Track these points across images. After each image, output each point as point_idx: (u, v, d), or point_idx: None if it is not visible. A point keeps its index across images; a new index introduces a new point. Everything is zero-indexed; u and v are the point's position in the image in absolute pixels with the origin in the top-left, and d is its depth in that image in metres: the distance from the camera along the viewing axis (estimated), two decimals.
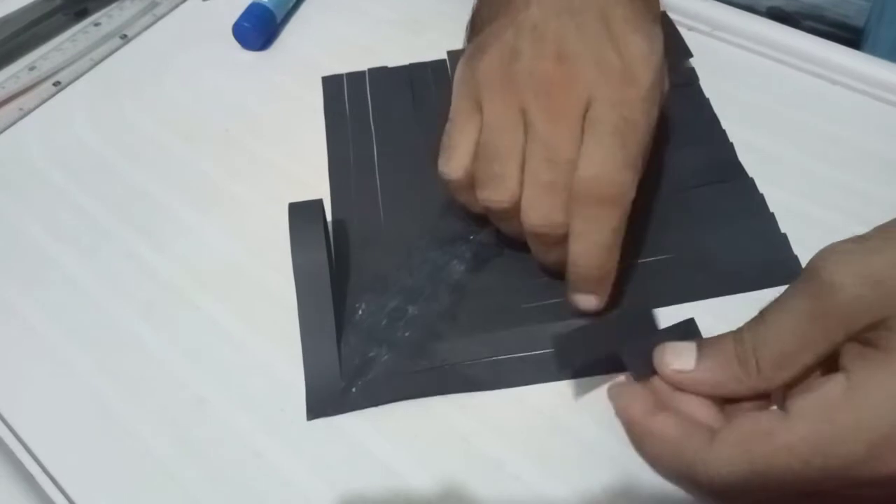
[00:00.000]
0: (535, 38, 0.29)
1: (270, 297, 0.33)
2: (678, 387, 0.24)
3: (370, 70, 0.41)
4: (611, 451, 0.27)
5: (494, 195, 0.29)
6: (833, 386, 0.20)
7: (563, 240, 0.28)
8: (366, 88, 0.41)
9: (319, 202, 0.31)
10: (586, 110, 0.28)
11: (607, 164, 0.27)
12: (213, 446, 0.29)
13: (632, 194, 0.28)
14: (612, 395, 0.24)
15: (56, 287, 0.35)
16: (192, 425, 0.30)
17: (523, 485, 0.27)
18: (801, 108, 0.38)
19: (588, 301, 0.29)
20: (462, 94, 0.30)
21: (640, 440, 0.23)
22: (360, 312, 0.31)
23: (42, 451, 0.30)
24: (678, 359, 0.24)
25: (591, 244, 0.28)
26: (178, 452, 0.29)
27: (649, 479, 0.24)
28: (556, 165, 0.28)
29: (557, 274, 0.30)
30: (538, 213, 0.28)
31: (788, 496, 0.21)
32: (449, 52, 0.42)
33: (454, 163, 0.30)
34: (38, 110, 0.43)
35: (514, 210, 0.29)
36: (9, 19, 0.45)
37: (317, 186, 0.37)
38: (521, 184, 0.29)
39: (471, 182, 0.30)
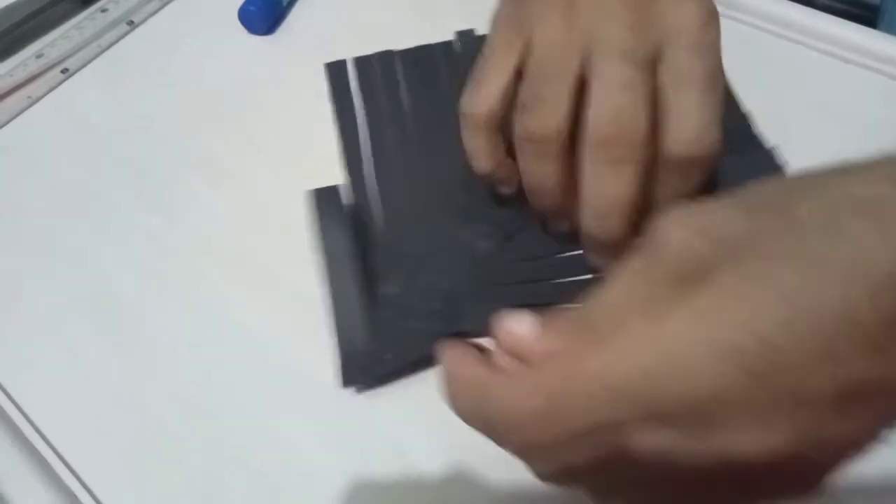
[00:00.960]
0: None
1: (282, 280, 0.33)
2: (513, 353, 0.21)
3: (378, 53, 0.41)
4: None
5: (537, 120, 0.26)
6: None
7: (634, 159, 0.25)
8: (375, 71, 0.40)
9: (337, 188, 0.32)
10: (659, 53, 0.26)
11: (703, 120, 0.26)
12: (224, 426, 0.29)
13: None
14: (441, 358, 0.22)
15: (69, 272, 0.35)
16: (204, 404, 0.30)
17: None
18: (816, 86, 0.37)
19: None
20: (504, 25, 0.28)
21: (446, 382, 0.21)
22: (389, 292, 0.31)
23: (54, 433, 0.30)
24: (517, 324, 0.21)
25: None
26: (189, 432, 0.29)
27: None
28: (635, 64, 0.25)
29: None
30: (611, 106, 0.25)
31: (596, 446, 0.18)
32: (457, 33, 0.41)
33: (483, 92, 0.28)
34: (46, 98, 0.43)
35: (558, 146, 0.26)
36: (15, 6, 0.45)
37: (326, 169, 0.36)
38: (571, 112, 0.26)
39: (495, 121, 0.28)
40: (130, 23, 0.45)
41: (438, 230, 0.33)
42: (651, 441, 0.18)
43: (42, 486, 0.28)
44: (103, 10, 0.46)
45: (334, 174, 0.36)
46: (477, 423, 0.21)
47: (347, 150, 0.37)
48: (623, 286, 0.20)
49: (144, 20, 0.46)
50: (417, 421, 0.29)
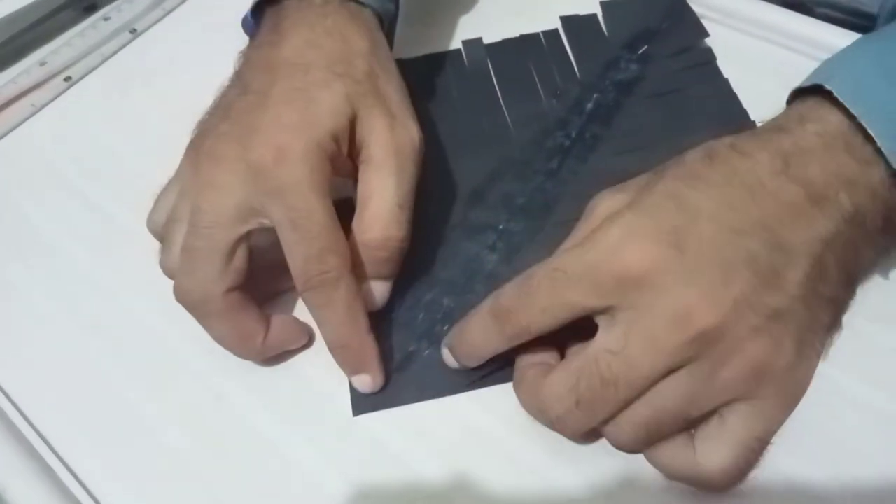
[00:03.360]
0: None
1: (286, 294, 0.33)
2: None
3: None
4: None
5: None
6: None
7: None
8: None
9: (350, 200, 0.32)
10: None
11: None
12: (231, 441, 0.30)
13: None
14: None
15: (72, 282, 0.35)
16: (210, 420, 0.30)
17: (538, 477, 0.27)
18: None
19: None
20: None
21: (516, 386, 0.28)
22: (395, 307, 0.31)
23: (61, 445, 0.30)
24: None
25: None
26: (195, 447, 0.30)
27: None
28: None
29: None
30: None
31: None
32: (464, 42, 0.41)
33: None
34: (49, 106, 0.43)
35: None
36: (18, 15, 0.45)
37: (336, 182, 0.37)
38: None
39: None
40: (133, 31, 0.46)
41: (444, 243, 0.33)
42: (613, 325, 0.25)
43: (46, 494, 0.29)
44: (106, 19, 0.46)
45: (345, 187, 0.36)
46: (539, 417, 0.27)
47: None
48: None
49: (147, 28, 0.46)
50: (420, 436, 0.29)
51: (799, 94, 0.28)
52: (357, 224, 0.29)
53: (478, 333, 0.28)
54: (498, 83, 0.40)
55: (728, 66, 0.38)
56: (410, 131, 0.30)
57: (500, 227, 0.33)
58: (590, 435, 0.27)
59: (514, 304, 0.26)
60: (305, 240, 0.27)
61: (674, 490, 0.26)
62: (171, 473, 0.29)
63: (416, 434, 0.29)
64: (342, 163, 0.30)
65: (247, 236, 0.28)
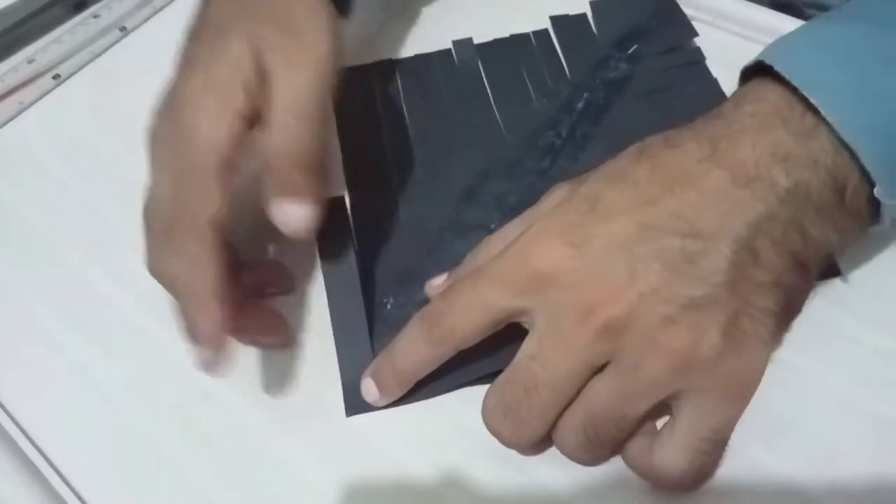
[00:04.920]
0: None
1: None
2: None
3: (375, 63, 0.41)
4: None
5: None
6: None
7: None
8: (372, 82, 0.40)
9: (342, 198, 0.32)
10: None
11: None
12: (220, 441, 0.29)
13: None
14: None
15: (61, 280, 0.35)
16: (199, 419, 0.30)
17: (527, 477, 0.27)
18: None
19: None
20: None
21: None
22: (388, 307, 0.31)
23: (48, 445, 0.30)
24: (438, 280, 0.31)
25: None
26: (184, 446, 0.29)
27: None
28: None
29: None
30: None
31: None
32: (454, 42, 0.41)
33: None
34: (38, 103, 0.43)
35: None
36: (7, 11, 0.45)
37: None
38: None
39: None
40: (123, 29, 0.45)
41: (436, 243, 0.33)
42: (531, 329, 0.26)
43: (33, 494, 0.29)
44: (95, 16, 0.45)
45: (336, 183, 0.36)
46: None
47: (348, 159, 0.37)
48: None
49: (137, 26, 0.46)
50: (410, 435, 0.29)
51: (746, 78, 0.29)
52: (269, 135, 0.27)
53: (406, 345, 0.28)
54: (488, 83, 0.40)
55: (717, 67, 0.38)
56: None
57: (492, 226, 0.33)
58: (539, 446, 0.27)
59: (440, 306, 0.27)
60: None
61: (663, 493, 0.26)
62: (160, 473, 0.29)
63: (406, 433, 0.29)
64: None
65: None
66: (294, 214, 0.27)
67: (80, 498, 0.28)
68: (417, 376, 0.29)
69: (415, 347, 0.28)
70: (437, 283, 0.31)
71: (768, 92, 0.27)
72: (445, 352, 0.27)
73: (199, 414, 0.30)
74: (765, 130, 0.26)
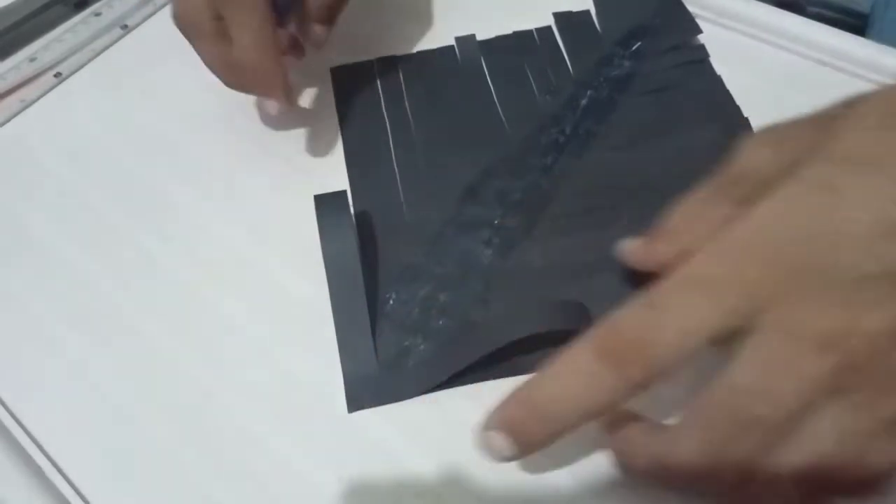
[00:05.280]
0: None
1: (278, 290, 0.33)
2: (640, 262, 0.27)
3: (379, 59, 0.41)
4: None
5: None
6: None
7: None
8: (376, 77, 0.40)
9: (344, 193, 0.31)
10: None
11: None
12: (220, 439, 0.29)
13: None
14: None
15: (61, 279, 0.35)
16: (200, 418, 0.30)
17: (529, 475, 0.27)
18: (807, 95, 0.37)
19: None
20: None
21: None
22: (391, 302, 0.31)
23: (51, 445, 0.30)
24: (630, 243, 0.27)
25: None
26: (184, 445, 0.29)
27: None
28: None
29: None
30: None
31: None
32: (457, 39, 0.41)
33: None
34: (39, 102, 0.42)
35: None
36: (8, 10, 0.45)
37: (328, 176, 0.36)
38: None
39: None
40: (124, 27, 0.45)
41: (439, 239, 0.33)
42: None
43: (34, 493, 0.28)
44: (97, 14, 0.45)
45: (337, 181, 0.36)
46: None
47: (350, 155, 0.37)
48: (703, 192, 0.25)
49: (138, 24, 0.46)
50: (413, 432, 0.29)
51: None
52: None
53: (567, 376, 0.22)
54: (491, 80, 0.39)
55: (721, 65, 0.38)
56: None
57: (496, 222, 0.33)
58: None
59: (637, 329, 0.21)
60: None
61: (664, 490, 0.26)
62: (160, 472, 0.29)
63: (409, 430, 0.29)
64: None
65: None
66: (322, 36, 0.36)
67: (81, 496, 0.28)
68: (575, 422, 0.22)
69: (581, 379, 0.21)
70: (633, 246, 0.27)
71: None
72: (635, 380, 0.21)
73: (199, 412, 0.30)
74: None
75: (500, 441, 0.23)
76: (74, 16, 0.46)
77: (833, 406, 0.20)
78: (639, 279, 0.27)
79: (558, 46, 0.40)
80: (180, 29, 0.34)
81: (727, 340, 0.21)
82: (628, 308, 0.21)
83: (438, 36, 0.42)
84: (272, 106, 0.35)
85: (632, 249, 0.27)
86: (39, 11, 0.46)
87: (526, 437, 0.22)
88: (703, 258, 0.21)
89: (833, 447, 0.20)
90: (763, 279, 0.20)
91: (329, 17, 0.37)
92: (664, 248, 0.25)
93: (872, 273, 0.19)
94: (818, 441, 0.20)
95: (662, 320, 0.20)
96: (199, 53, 0.34)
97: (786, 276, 0.20)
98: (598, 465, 0.27)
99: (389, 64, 0.41)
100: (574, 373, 0.21)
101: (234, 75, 0.34)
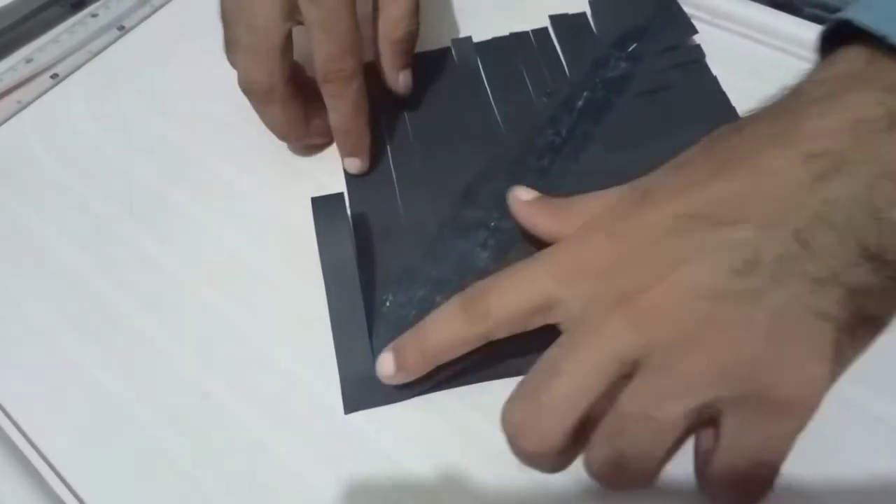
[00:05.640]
0: None
1: (275, 291, 0.33)
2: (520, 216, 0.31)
3: (375, 61, 0.41)
4: None
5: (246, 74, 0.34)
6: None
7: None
8: (371, 79, 0.40)
9: (341, 195, 0.32)
10: None
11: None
12: (218, 440, 0.29)
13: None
14: None
15: (59, 280, 0.35)
16: (197, 419, 0.30)
17: (528, 476, 0.27)
18: None
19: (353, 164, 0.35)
20: None
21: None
22: (388, 304, 0.31)
23: (46, 445, 0.30)
24: (526, 193, 0.31)
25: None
26: (182, 446, 0.29)
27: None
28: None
29: None
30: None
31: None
32: (453, 40, 0.41)
33: None
34: (36, 103, 0.42)
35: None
36: (5, 11, 0.45)
37: (323, 178, 0.37)
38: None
39: None
40: (121, 28, 0.45)
41: (436, 241, 0.33)
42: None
43: (30, 494, 0.28)
44: (94, 15, 0.45)
45: (332, 182, 0.36)
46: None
47: None
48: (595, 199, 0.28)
49: (135, 25, 0.46)
50: (409, 434, 0.29)
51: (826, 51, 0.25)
52: (384, 24, 0.35)
53: (438, 321, 0.27)
54: (488, 81, 0.40)
55: (716, 66, 0.38)
56: None
57: (492, 224, 0.33)
58: (557, 457, 0.25)
59: (484, 284, 0.27)
60: (331, 40, 0.32)
61: (662, 489, 0.26)
62: (158, 473, 0.29)
63: (404, 433, 0.29)
64: None
65: (290, 33, 0.33)
66: (407, 78, 0.37)
67: (77, 497, 0.28)
68: (441, 358, 0.28)
69: (447, 324, 0.27)
70: (522, 193, 0.31)
71: (844, 53, 0.23)
72: (478, 332, 0.26)
73: (197, 413, 0.30)
74: (836, 95, 0.22)
75: (387, 360, 0.28)
76: (71, 17, 0.46)
77: (638, 371, 0.23)
78: None
79: (555, 48, 0.41)
80: (248, 92, 0.34)
81: (557, 319, 0.25)
82: (494, 278, 0.27)
83: (435, 37, 0.42)
84: (353, 164, 0.35)
85: (521, 200, 0.31)
86: (36, 12, 0.45)
87: (405, 362, 0.28)
88: (548, 250, 0.26)
89: (632, 405, 0.23)
90: (578, 262, 0.25)
91: (405, 61, 0.37)
92: (543, 222, 0.30)
93: (673, 245, 0.23)
94: (621, 403, 0.23)
95: (498, 281, 0.26)
96: (263, 115, 0.35)
97: (595, 259, 0.25)
98: None
99: None
100: (443, 314, 0.27)
101: (298, 132, 0.36)
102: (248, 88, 0.34)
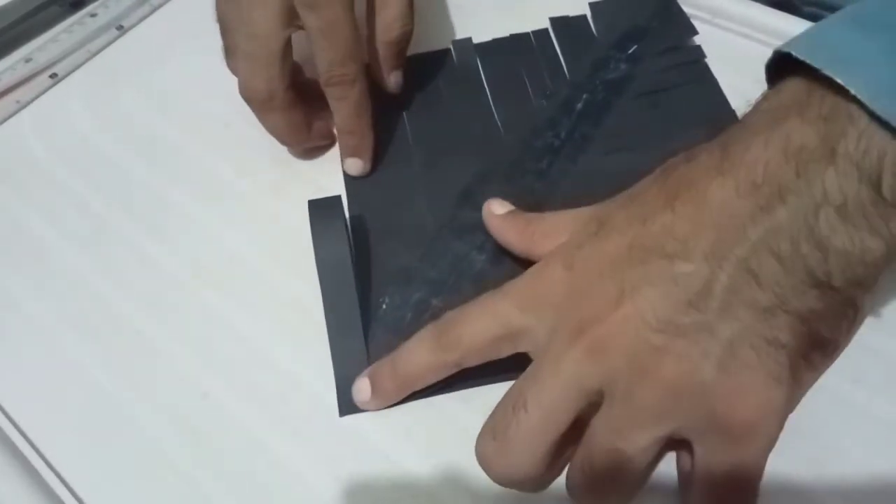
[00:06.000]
0: None
1: (274, 291, 0.33)
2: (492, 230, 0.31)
3: None
4: None
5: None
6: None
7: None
8: (371, 81, 0.40)
9: (338, 198, 0.32)
10: None
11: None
12: (217, 440, 0.29)
13: None
14: None
15: (58, 280, 0.35)
16: (196, 419, 0.30)
17: None
18: None
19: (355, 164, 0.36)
20: None
21: None
22: (384, 307, 0.31)
23: (45, 445, 0.30)
24: (499, 207, 0.31)
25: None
26: (181, 446, 0.29)
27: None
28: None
29: None
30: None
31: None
32: (453, 42, 0.41)
33: None
34: (34, 103, 0.42)
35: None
36: (4, 10, 0.45)
37: (322, 179, 0.37)
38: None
39: None
40: (120, 27, 0.45)
41: (433, 243, 0.33)
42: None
43: (30, 494, 0.28)
44: (93, 15, 0.45)
45: (331, 183, 0.36)
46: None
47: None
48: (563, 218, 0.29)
49: (134, 25, 0.46)
50: (407, 436, 0.29)
51: (773, 81, 0.26)
52: (380, 25, 0.35)
53: (411, 350, 0.28)
54: (487, 83, 0.39)
55: (716, 66, 0.38)
56: None
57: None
58: (533, 483, 0.26)
59: (453, 315, 0.28)
60: (332, 47, 0.32)
61: (659, 491, 0.26)
62: (157, 473, 0.29)
63: (403, 433, 0.29)
64: None
65: (289, 41, 0.33)
66: (398, 78, 0.37)
67: (76, 497, 0.28)
68: (414, 385, 0.28)
69: (419, 353, 0.28)
70: (496, 206, 0.31)
71: (787, 84, 0.24)
72: (449, 360, 0.27)
73: (196, 413, 0.30)
74: (777, 125, 0.23)
75: (363, 385, 0.29)
76: (70, 16, 0.46)
77: (603, 402, 0.23)
78: None
79: (555, 49, 0.40)
80: (249, 100, 0.34)
81: (525, 347, 0.26)
82: (464, 308, 0.28)
83: (435, 38, 0.42)
84: (355, 165, 0.36)
85: (494, 214, 0.31)
86: (35, 12, 0.45)
87: (380, 389, 0.28)
88: (514, 280, 0.27)
89: (599, 436, 0.24)
90: (538, 292, 0.26)
91: (398, 62, 0.37)
92: (513, 238, 0.30)
93: (626, 276, 0.24)
94: (590, 434, 0.24)
95: (468, 311, 0.27)
96: (264, 122, 0.35)
97: (553, 289, 0.26)
98: None
99: None
100: (416, 342, 0.28)
101: (299, 137, 0.36)
102: (248, 96, 0.34)
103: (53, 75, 0.43)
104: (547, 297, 0.25)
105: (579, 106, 0.37)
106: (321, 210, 0.31)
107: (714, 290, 0.22)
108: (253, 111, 0.35)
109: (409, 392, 0.29)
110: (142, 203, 0.37)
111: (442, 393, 0.29)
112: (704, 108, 0.37)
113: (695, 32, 0.40)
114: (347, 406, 0.29)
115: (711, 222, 0.22)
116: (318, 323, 0.31)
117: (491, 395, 0.29)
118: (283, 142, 0.36)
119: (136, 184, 0.38)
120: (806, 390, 0.24)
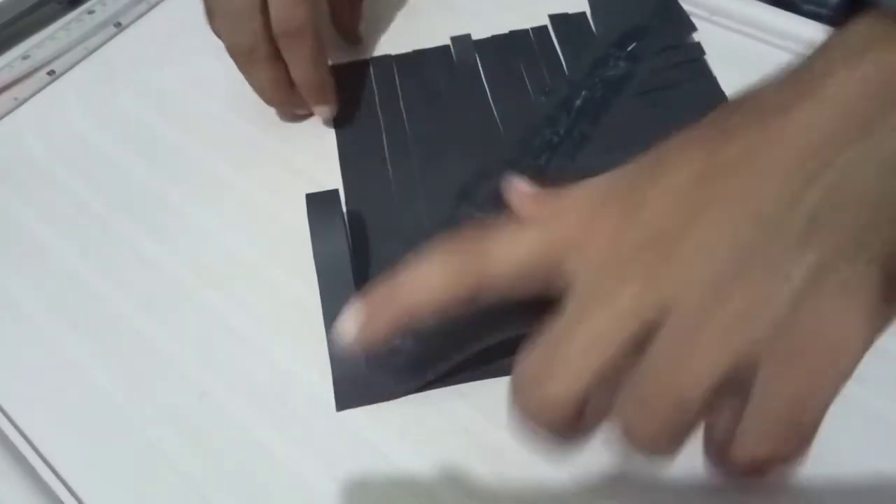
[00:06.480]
0: None
1: (272, 290, 0.33)
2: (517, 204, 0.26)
3: (373, 58, 0.41)
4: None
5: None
6: None
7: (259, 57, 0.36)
8: (370, 77, 0.40)
9: (336, 192, 0.32)
10: None
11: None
12: (215, 439, 0.29)
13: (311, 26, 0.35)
14: None
15: (56, 279, 0.35)
16: (195, 418, 0.30)
17: (523, 473, 0.27)
18: None
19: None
20: None
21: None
22: None
23: (45, 445, 0.30)
24: (526, 187, 0.26)
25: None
26: (180, 445, 0.29)
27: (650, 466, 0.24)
28: None
29: None
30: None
31: None
32: (452, 38, 0.41)
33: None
34: (32, 100, 0.42)
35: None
36: (2, 8, 0.44)
37: (320, 177, 0.36)
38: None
39: None
40: (118, 25, 0.45)
41: (432, 240, 0.33)
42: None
43: (29, 494, 0.28)
44: (90, 12, 0.45)
45: (329, 181, 0.36)
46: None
47: (344, 155, 0.37)
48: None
49: (132, 22, 0.46)
50: (405, 432, 0.29)
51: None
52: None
53: (419, 270, 0.24)
54: (486, 79, 0.39)
55: (715, 63, 0.38)
56: None
57: (486, 225, 0.33)
58: (569, 429, 0.22)
59: (478, 232, 0.24)
60: None
61: (658, 485, 0.26)
62: (155, 471, 0.29)
63: (401, 429, 0.29)
64: None
65: None
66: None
67: (76, 497, 0.28)
68: (413, 312, 0.24)
69: (429, 268, 0.24)
70: (523, 186, 0.26)
71: (861, 23, 0.22)
72: (467, 285, 0.23)
73: (194, 412, 0.30)
74: (862, 54, 0.21)
75: (350, 320, 0.24)
76: (68, 13, 0.46)
77: (662, 332, 0.21)
78: None
79: (554, 46, 0.40)
80: (234, 55, 0.36)
81: (561, 284, 0.23)
82: (493, 226, 0.24)
83: (434, 35, 0.42)
84: (324, 112, 0.38)
85: (520, 191, 0.26)
86: (33, 9, 0.45)
87: (375, 317, 0.24)
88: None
89: (658, 372, 0.21)
90: (591, 227, 0.23)
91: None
92: (534, 210, 0.26)
93: (694, 203, 0.21)
94: (646, 367, 0.21)
95: (499, 231, 0.24)
96: (250, 77, 0.37)
97: (607, 225, 0.23)
98: (593, 464, 0.27)
99: (384, 63, 0.41)
100: (426, 261, 0.24)
101: (283, 94, 0.37)
102: (233, 51, 0.36)
103: (51, 72, 0.43)
104: (598, 234, 0.23)
105: (578, 103, 0.37)
106: (318, 203, 0.31)
107: (798, 215, 0.21)
108: (238, 68, 0.36)
109: (404, 323, 0.24)
110: (139, 200, 0.37)
111: (441, 386, 0.29)
112: (704, 106, 0.36)
113: (694, 30, 0.40)
114: (344, 401, 0.29)
115: (798, 144, 0.21)
116: (317, 321, 0.31)
117: (490, 390, 0.29)
118: (268, 100, 0.37)
119: (132, 180, 0.38)
120: (888, 325, 0.22)
